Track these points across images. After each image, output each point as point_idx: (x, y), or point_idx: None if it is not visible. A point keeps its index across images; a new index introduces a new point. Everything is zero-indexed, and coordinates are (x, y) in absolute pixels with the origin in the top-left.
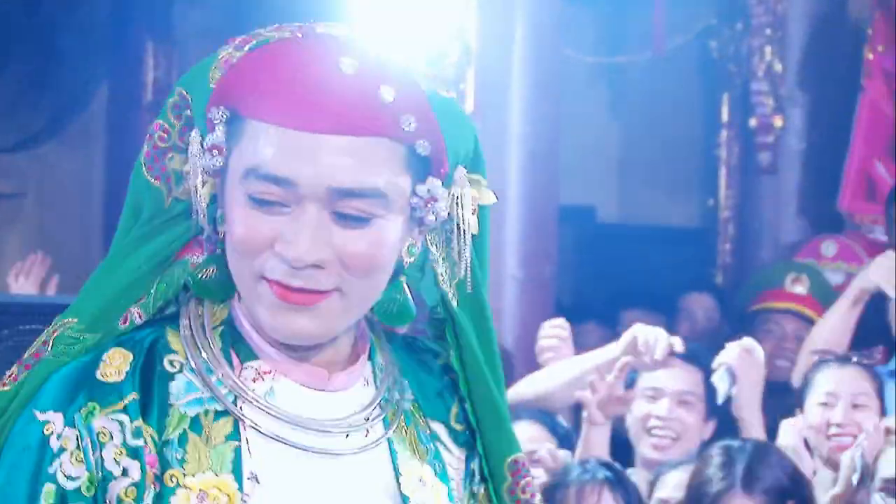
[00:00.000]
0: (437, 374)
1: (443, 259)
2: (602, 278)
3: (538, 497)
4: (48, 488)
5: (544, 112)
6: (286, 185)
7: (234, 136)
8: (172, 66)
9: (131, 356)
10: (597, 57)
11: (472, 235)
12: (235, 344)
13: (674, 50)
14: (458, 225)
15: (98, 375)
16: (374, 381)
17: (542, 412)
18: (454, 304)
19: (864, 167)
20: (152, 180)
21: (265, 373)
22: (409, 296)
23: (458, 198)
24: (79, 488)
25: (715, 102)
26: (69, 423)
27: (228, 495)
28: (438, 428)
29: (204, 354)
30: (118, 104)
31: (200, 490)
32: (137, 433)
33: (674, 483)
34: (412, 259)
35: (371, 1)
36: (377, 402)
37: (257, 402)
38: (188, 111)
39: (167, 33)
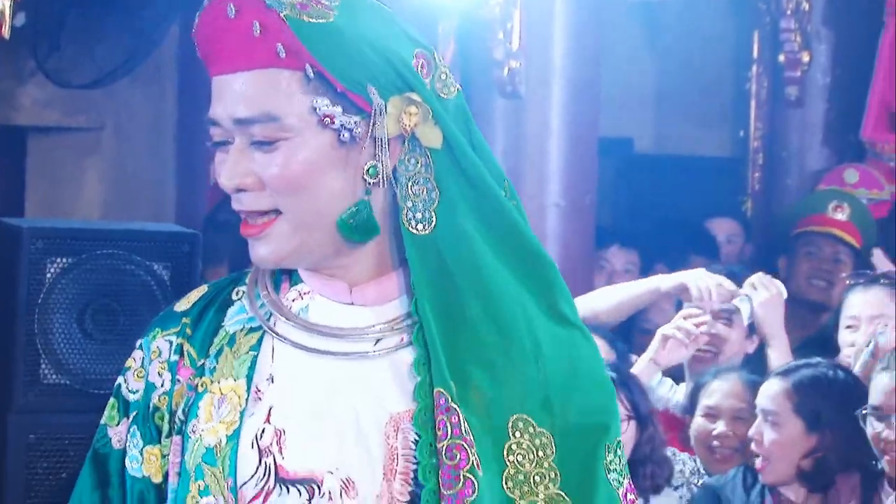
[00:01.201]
0: None
1: (407, 181)
2: (639, 206)
3: None
4: (111, 402)
5: (586, 48)
6: (215, 125)
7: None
8: None
9: (205, 290)
10: None
11: (441, 150)
12: (288, 271)
13: None
14: (379, 138)
15: (174, 307)
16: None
17: (601, 328)
18: (415, 227)
19: (885, 99)
20: None
21: (304, 293)
22: (374, 213)
23: (377, 114)
24: (138, 399)
25: (746, 39)
26: (140, 346)
27: (239, 396)
28: None
29: (259, 282)
30: (188, 41)
31: (221, 394)
32: (177, 350)
33: (722, 391)
34: (374, 179)
35: None
36: (404, 317)
37: (288, 316)
38: None
39: None
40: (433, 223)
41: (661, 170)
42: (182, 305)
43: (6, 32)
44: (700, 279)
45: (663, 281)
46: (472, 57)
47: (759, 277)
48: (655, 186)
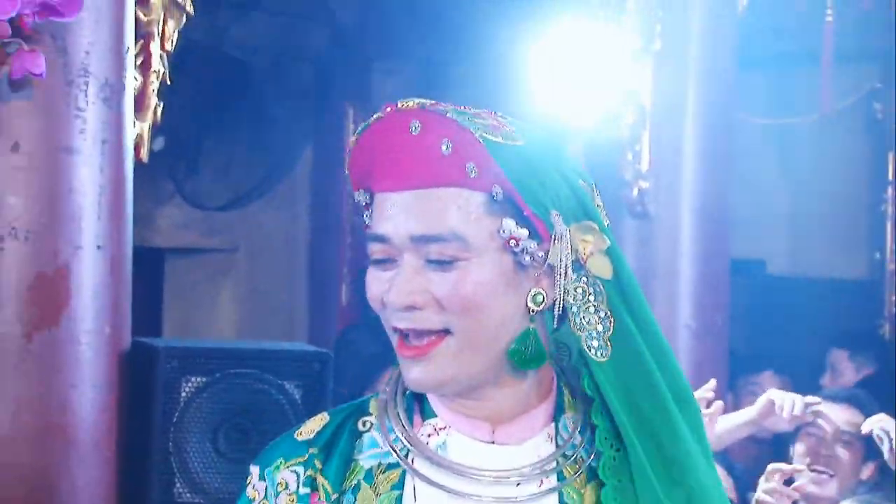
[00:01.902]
0: None
1: (578, 309)
2: (773, 328)
3: None
4: None
5: (716, 170)
6: (384, 242)
7: (364, 212)
8: None
9: (328, 418)
10: (767, 118)
11: (610, 281)
12: (420, 404)
13: (840, 111)
14: (558, 265)
15: (295, 435)
16: (556, 438)
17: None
18: (595, 355)
19: None
20: None
21: (440, 429)
22: (542, 342)
23: (559, 241)
24: None
25: (881, 160)
26: (261, 476)
27: None
28: None
29: (389, 414)
30: (321, 166)
31: None
32: (308, 482)
33: None
34: (538, 307)
35: (550, 65)
36: (554, 457)
37: (427, 454)
38: None
39: (366, 99)
40: (609, 351)
41: (795, 292)
42: (305, 434)
43: (145, 156)
44: (777, 395)
45: (751, 409)
46: (600, 177)
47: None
48: (789, 309)
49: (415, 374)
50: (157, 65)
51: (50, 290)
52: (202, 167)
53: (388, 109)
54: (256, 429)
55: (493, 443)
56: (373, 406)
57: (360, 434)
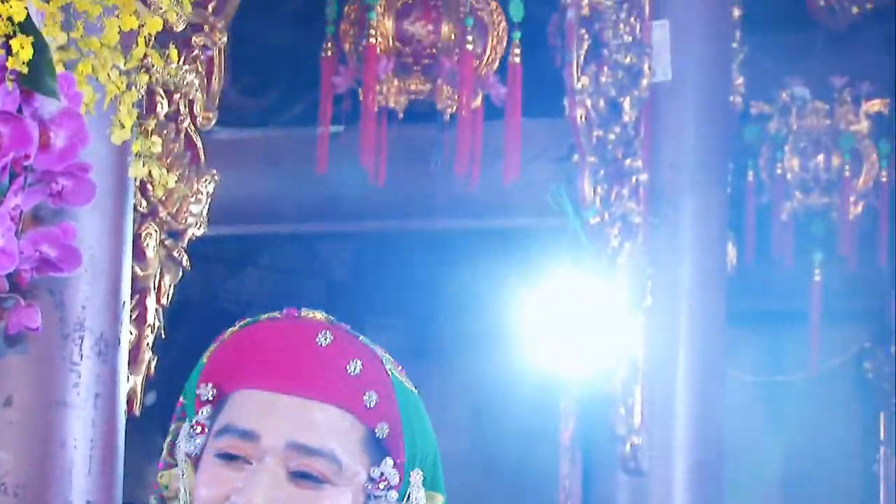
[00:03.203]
0: None
1: None
2: None
3: None
4: None
5: (708, 426)
6: (250, 438)
7: (217, 413)
8: None
9: None
10: (757, 376)
11: None
12: None
13: (831, 370)
14: None
15: None
16: None
17: None
18: None
19: None
20: (152, 499)
21: None
22: None
23: (411, 501)
24: None
25: (873, 420)
26: None
27: None
28: None
29: None
30: None
31: None
32: None
33: None
34: None
35: (542, 317)
36: None
37: None
38: (178, 420)
39: None
40: None
41: None
42: None
43: (137, 410)
44: None
45: None
46: (593, 432)
47: None
48: None
49: None
50: (153, 319)
51: None
52: None
53: (289, 314)
54: None
55: None
56: None
57: None
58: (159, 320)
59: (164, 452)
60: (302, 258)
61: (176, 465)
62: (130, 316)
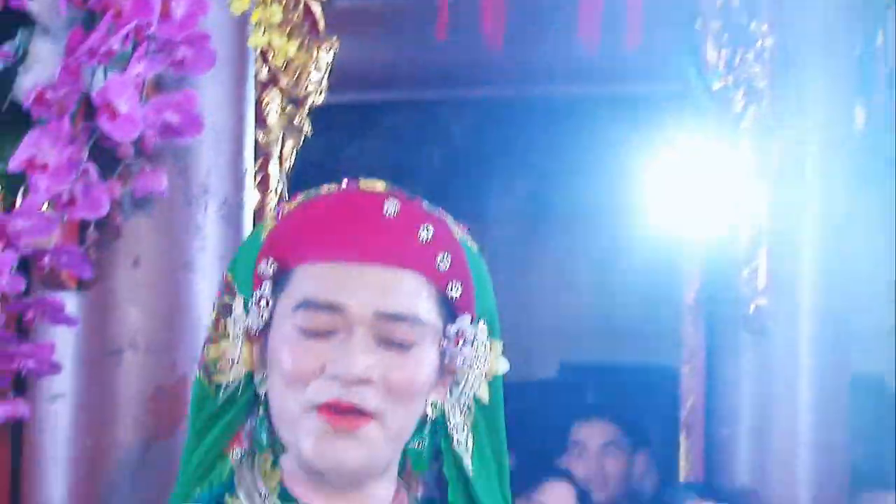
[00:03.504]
0: None
1: (461, 425)
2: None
3: None
4: None
5: (834, 286)
6: (336, 311)
7: (280, 288)
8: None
9: None
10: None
11: (485, 406)
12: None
13: None
14: (467, 376)
15: None
16: None
17: None
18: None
19: None
20: (198, 372)
21: None
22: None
23: (482, 351)
24: None
25: None
26: None
27: None
28: None
29: None
30: None
31: None
32: None
33: None
34: (432, 415)
35: (665, 181)
36: None
37: None
38: (227, 296)
39: (480, 219)
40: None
41: None
42: None
43: None
44: None
45: None
46: (717, 294)
47: None
48: None
49: (344, 449)
50: (275, 184)
51: (168, 402)
52: None
53: (350, 186)
54: None
55: None
56: None
57: None
58: (282, 185)
59: (211, 328)
60: (422, 124)
61: (222, 341)
62: (254, 181)
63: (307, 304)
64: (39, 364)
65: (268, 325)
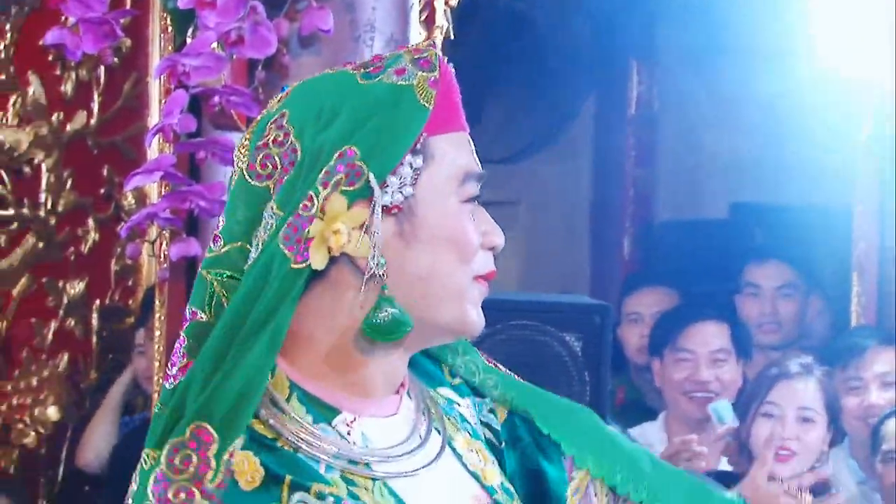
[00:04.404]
0: None
1: None
2: None
3: None
4: None
5: None
6: (478, 181)
7: (422, 160)
8: (654, 83)
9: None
10: None
11: None
12: (315, 407)
13: None
14: None
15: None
16: (408, 393)
17: None
18: None
19: None
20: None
21: (350, 423)
22: None
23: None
24: None
25: None
26: None
27: None
28: (445, 392)
29: (296, 450)
30: (603, 118)
31: None
32: None
33: None
34: None
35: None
36: (420, 410)
37: (374, 455)
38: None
39: (650, 52)
40: None
41: None
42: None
43: None
44: None
45: None
46: (890, 133)
47: None
48: None
49: (480, 318)
50: (441, 20)
51: None
52: (484, 121)
53: (431, 50)
54: (535, 379)
55: (389, 416)
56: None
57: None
58: (448, 21)
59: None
60: None
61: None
62: (419, 17)
63: (471, 176)
64: (210, 204)
65: (406, 198)
